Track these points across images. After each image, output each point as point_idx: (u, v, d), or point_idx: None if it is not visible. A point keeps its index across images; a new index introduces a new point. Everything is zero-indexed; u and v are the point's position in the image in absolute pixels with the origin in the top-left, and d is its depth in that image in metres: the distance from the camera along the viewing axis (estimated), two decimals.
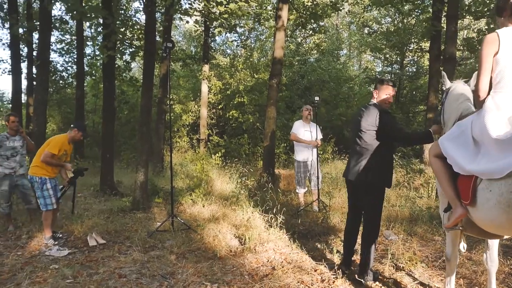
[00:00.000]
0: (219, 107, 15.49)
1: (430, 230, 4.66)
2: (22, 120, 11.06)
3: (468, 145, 2.17)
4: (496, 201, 1.93)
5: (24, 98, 13.33)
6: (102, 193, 7.32)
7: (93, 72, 15.37)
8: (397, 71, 17.49)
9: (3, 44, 17.19)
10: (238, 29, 16.31)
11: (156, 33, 7.77)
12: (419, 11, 12.53)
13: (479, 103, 2.20)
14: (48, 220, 4.38)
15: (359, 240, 3.41)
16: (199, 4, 11.53)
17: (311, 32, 12.92)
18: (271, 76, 8.55)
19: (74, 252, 4.13)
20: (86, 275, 3.40)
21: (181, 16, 10.27)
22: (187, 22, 11.29)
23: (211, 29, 14.22)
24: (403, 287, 3.19)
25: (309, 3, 11.37)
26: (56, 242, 4.31)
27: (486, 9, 9.81)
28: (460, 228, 2.39)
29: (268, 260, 3.79)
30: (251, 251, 4.00)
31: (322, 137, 6.38)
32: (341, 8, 12.27)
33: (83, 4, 7.94)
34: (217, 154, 9.12)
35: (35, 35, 11.21)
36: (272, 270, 3.51)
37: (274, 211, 4.71)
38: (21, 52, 11.51)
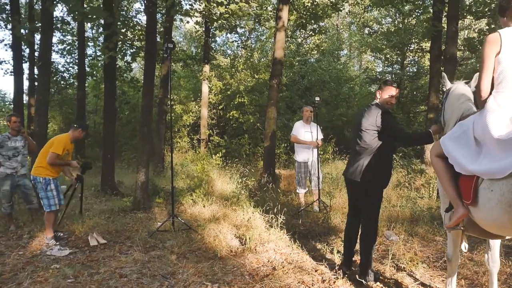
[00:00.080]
0: (219, 108, 15.50)
1: (431, 230, 4.66)
2: (23, 120, 11.10)
3: (470, 145, 2.17)
4: (498, 201, 1.93)
5: (25, 98, 13.37)
6: (103, 193, 7.34)
7: (94, 72, 15.41)
8: (398, 71, 17.44)
9: (5, 45, 17.29)
10: (238, 29, 16.33)
11: (157, 34, 7.79)
12: (420, 11, 12.51)
13: (481, 103, 2.20)
14: (50, 221, 4.41)
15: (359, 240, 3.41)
16: (199, 5, 11.54)
17: (311, 32, 12.92)
18: (272, 76, 8.55)
19: (75, 252, 4.14)
20: (87, 275, 3.41)
21: (182, 17, 10.30)
22: (187, 22, 11.31)
23: (211, 30, 14.23)
24: None
25: (309, 4, 11.38)
26: (57, 242, 4.32)
27: (487, 9, 9.81)
28: (462, 228, 2.39)
29: (268, 260, 3.79)
30: (251, 251, 4.00)
31: (323, 137, 6.37)
32: (341, 8, 12.27)
33: (85, 5, 7.97)
34: (217, 154, 9.15)
35: (37, 36, 11.22)
36: (273, 270, 3.51)
37: (274, 211, 4.71)
38: (23, 53, 11.53)
